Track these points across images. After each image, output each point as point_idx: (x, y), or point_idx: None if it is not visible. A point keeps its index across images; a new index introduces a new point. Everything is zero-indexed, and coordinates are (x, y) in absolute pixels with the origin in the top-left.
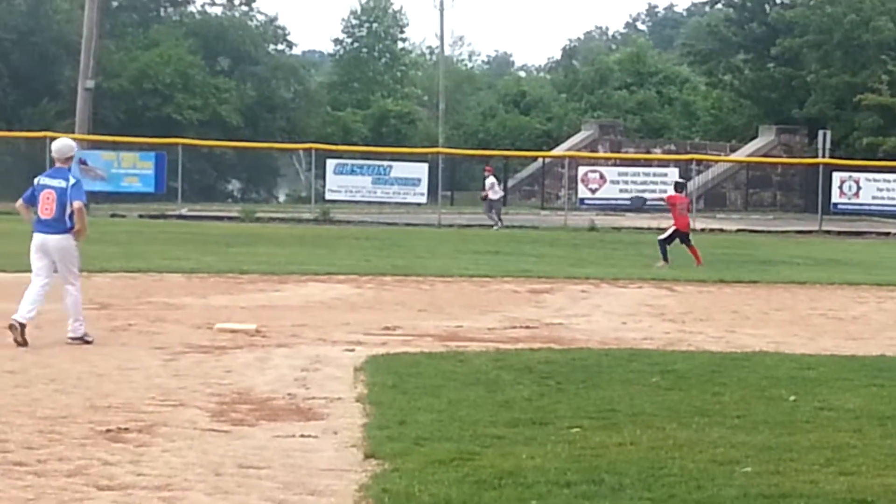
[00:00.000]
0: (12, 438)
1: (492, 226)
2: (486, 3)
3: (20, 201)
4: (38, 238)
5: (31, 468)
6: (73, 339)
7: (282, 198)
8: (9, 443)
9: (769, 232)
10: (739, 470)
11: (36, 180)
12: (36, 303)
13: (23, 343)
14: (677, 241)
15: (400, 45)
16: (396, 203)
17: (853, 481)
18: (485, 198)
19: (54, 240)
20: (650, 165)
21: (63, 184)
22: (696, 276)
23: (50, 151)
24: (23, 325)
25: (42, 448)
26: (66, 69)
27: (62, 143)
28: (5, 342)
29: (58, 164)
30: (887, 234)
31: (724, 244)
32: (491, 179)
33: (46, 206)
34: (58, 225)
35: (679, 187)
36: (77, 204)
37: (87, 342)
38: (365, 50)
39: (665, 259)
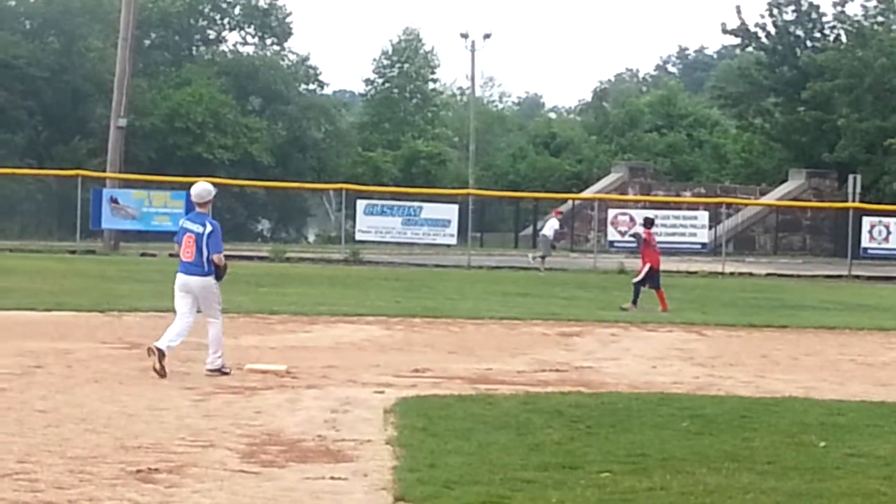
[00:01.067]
0: (43, 478)
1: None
2: (516, 45)
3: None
4: (181, 278)
5: None
6: (210, 371)
7: (311, 238)
8: (39, 482)
9: (798, 276)
10: None
11: (180, 222)
12: (180, 336)
13: (161, 372)
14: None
15: (431, 85)
16: (426, 244)
17: None
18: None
19: (195, 281)
20: (680, 208)
21: (201, 229)
22: (726, 320)
23: (80, 188)
24: (161, 352)
25: (72, 488)
26: (98, 107)
27: (201, 188)
28: (35, 381)
29: (197, 209)
30: None
31: (753, 288)
32: (555, 222)
33: (188, 249)
34: (198, 268)
35: (649, 223)
36: (216, 257)
37: (225, 373)
38: (396, 90)
39: (635, 302)
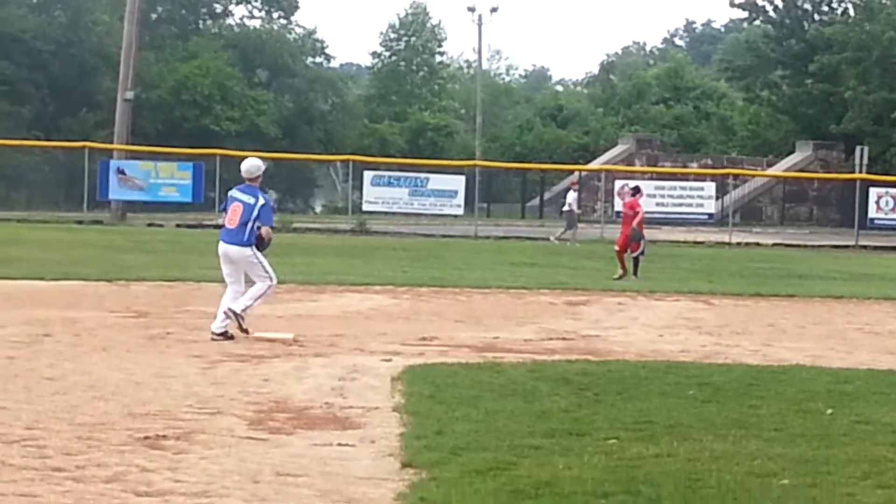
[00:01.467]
0: (51, 444)
1: (567, 240)
2: (524, 18)
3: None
4: (221, 247)
5: (69, 474)
6: (225, 320)
7: (318, 209)
8: (47, 448)
9: (805, 246)
10: (777, 482)
11: (229, 192)
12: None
13: (245, 331)
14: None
15: (438, 58)
16: (433, 215)
17: (890, 495)
18: (568, 212)
19: (234, 250)
20: (686, 179)
21: (252, 200)
22: (733, 289)
23: (88, 160)
24: (237, 314)
25: (80, 454)
26: (106, 80)
27: (251, 164)
28: (43, 349)
29: (248, 182)
30: None
31: (760, 258)
32: (574, 195)
33: (232, 217)
34: (237, 236)
35: (636, 192)
36: (265, 230)
37: (229, 338)
38: (403, 63)
39: (636, 273)
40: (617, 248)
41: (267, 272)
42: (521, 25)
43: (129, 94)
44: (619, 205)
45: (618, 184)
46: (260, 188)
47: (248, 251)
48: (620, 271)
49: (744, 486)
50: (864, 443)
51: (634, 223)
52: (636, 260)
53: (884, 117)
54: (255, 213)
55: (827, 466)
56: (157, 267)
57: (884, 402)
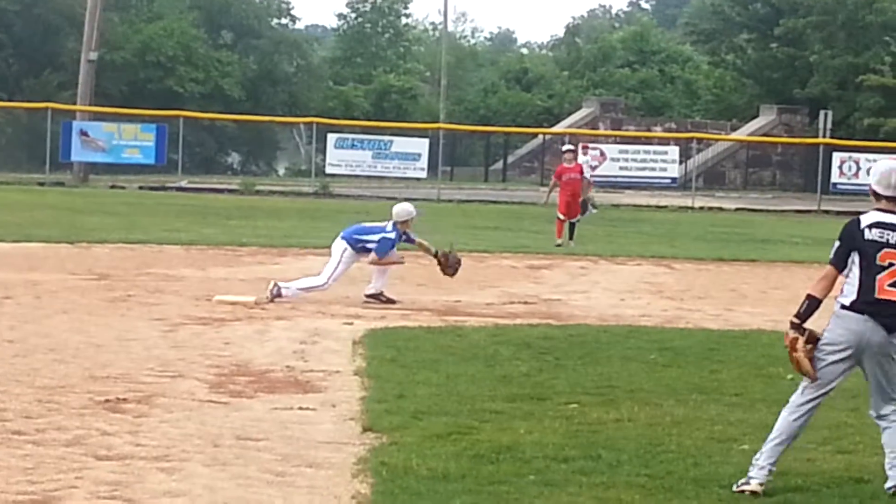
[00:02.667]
0: (11, 408)
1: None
2: None
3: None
4: None
5: (29, 437)
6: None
7: (281, 171)
8: (7, 412)
9: (768, 211)
10: (737, 447)
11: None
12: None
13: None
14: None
15: (403, 20)
16: (396, 178)
17: (850, 460)
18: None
19: (337, 240)
20: (650, 143)
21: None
22: (695, 254)
23: (51, 121)
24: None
25: (41, 417)
26: (70, 41)
27: (401, 209)
28: (4, 311)
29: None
30: None
31: (723, 223)
32: (584, 158)
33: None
34: (353, 232)
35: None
36: (371, 256)
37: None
38: (368, 25)
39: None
40: (563, 216)
41: (330, 275)
42: None
43: (93, 56)
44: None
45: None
46: (403, 231)
47: (343, 245)
48: (559, 239)
49: (704, 451)
50: (823, 408)
51: (588, 189)
52: (574, 225)
53: (848, 82)
54: (377, 237)
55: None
56: (119, 229)
57: None
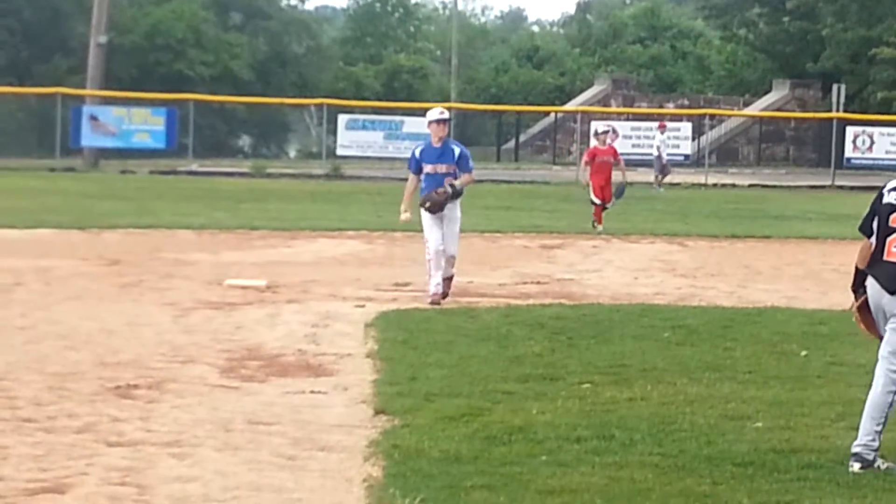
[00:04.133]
0: (22, 395)
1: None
2: None
3: None
4: None
5: (40, 424)
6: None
7: (292, 153)
8: (18, 399)
9: (782, 187)
10: (750, 425)
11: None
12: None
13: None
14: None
15: (413, 0)
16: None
17: None
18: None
19: None
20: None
21: None
22: (708, 231)
23: (60, 106)
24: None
25: (52, 404)
26: (79, 25)
27: None
28: (14, 298)
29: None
30: None
31: (736, 199)
32: (661, 137)
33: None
34: None
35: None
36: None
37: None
38: (378, 5)
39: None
40: (599, 200)
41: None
42: None
43: (103, 39)
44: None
45: (594, 125)
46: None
47: None
48: (601, 226)
49: (717, 430)
50: (837, 384)
51: (622, 172)
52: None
53: (861, 55)
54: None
55: (801, 408)
56: (130, 214)
57: (858, 343)
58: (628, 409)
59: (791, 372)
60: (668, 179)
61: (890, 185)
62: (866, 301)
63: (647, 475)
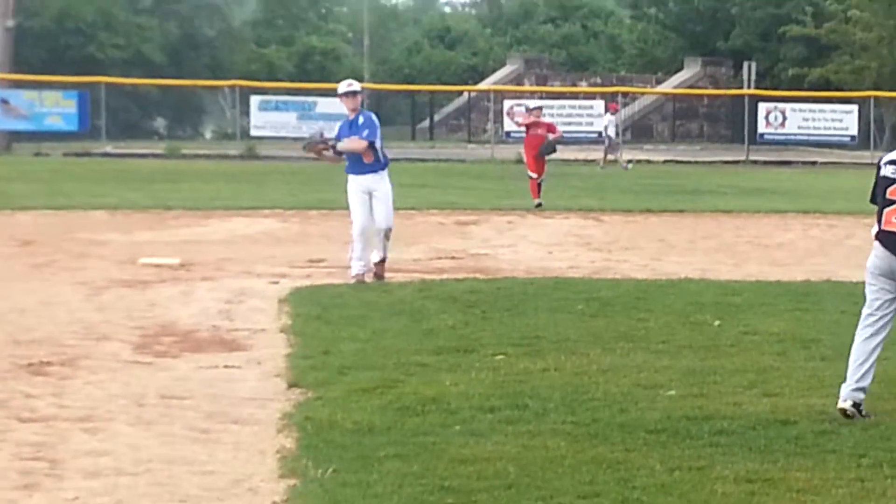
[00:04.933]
0: None
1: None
2: None
3: None
4: None
5: None
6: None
7: (208, 135)
8: None
9: (696, 162)
10: (663, 393)
11: None
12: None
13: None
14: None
15: None
16: None
17: (776, 402)
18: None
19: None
20: (576, 98)
21: None
22: (623, 206)
23: None
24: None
25: None
26: None
27: None
28: None
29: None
30: (813, 163)
31: (651, 175)
32: (609, 117)
33: None
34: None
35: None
36: None
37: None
38: None
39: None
40: (535, 174)
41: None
42: None
43: (11, 23)
44: (509, 125)
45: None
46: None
47: None
48: (537, 199)
49: (630, 398)
50: (750, 353)
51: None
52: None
53: (771, 33)
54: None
55: (714, 377)
56: (42, 196)
57: (770, 312)
58: (541, 380)
59: (704, 341)
60: (582, 156)
61: (886, 157)
62: None
63: (560, 443)
